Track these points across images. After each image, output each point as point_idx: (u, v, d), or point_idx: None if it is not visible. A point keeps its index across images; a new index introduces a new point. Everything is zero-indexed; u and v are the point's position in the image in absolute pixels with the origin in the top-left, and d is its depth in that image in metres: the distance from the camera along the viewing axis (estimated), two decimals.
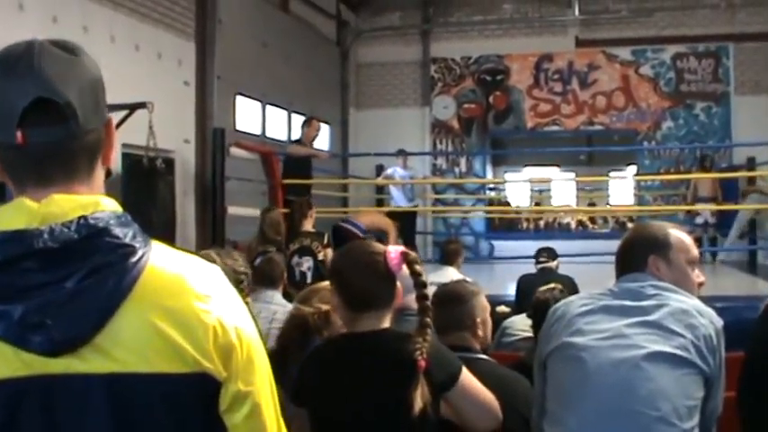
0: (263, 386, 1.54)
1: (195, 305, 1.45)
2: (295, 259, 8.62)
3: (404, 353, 2.74)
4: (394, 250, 2.94)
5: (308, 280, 8.13)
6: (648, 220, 3.03)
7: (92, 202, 1.45)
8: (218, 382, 1.46)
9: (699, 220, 14.38)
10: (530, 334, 5.50)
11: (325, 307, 3.46)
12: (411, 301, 3.11)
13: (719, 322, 2.85)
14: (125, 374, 1.39)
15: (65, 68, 1.45)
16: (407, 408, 2.66)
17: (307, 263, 8.58)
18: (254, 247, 9.82)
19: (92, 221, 1.41)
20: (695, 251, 3.14)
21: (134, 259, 1.43)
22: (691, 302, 2.88)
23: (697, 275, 3.10)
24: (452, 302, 3.63)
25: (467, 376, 2.90)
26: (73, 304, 1.36)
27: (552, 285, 6.30)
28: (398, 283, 2.95)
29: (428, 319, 2.84)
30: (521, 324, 5.96)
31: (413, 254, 3.00)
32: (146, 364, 1.40)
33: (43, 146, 1.43)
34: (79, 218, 1.41)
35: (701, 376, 2.75)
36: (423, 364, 2.70)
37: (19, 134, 1.42)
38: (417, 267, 2.94)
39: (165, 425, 1.43)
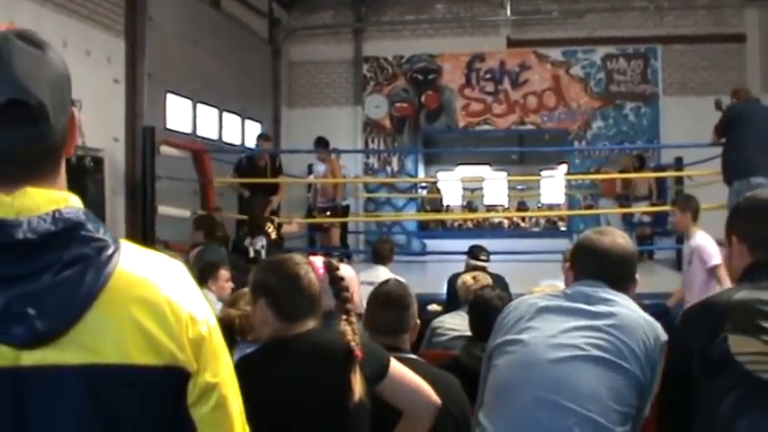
0: (228, 378, 1.55)
1: (168, 298, 1.46)
2: (248, 240, 9.77)
3: (339, 343, 2.85)
4: (317, 261, 3.14)
5: (263, 257, 9.26)
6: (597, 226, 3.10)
7: (62, 197, 1.44)
8: (188, 375, 1.46)
9: (634, 218, 14.83)
10: (460, 333, 5.53)
11: (250, 309, 3.47)
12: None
13: (664, 336, 2.91)
14: (100, 365, 1.38)
15: (35, 67, 1.45)
16: (346, 396, 2.75)
17: (260, 242, 9.63)
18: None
19: (66, 215, 1.41)
20: None
21: (109, 253, 1.43)
22: (640, 314, 2.95)
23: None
24: (398, 305, 3.66)
25: (397, 365, 3.00)
26: (52, 295, 1.35)
27: (474, 274, 6.46)
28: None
29: (352, 319, 2.98)
30: (450, 323, 5.99)
31: (334, 263, 3.24)
32: (122, 356, 1.40)
33: (13, 146, 1.42)
34: (54, 211, 1.40)
35: (637, 385, 2.80)
36: (359, 353, 2.81)
37: None
38: (339, 274, 3.16)
39: (137, 417, 1.42)
